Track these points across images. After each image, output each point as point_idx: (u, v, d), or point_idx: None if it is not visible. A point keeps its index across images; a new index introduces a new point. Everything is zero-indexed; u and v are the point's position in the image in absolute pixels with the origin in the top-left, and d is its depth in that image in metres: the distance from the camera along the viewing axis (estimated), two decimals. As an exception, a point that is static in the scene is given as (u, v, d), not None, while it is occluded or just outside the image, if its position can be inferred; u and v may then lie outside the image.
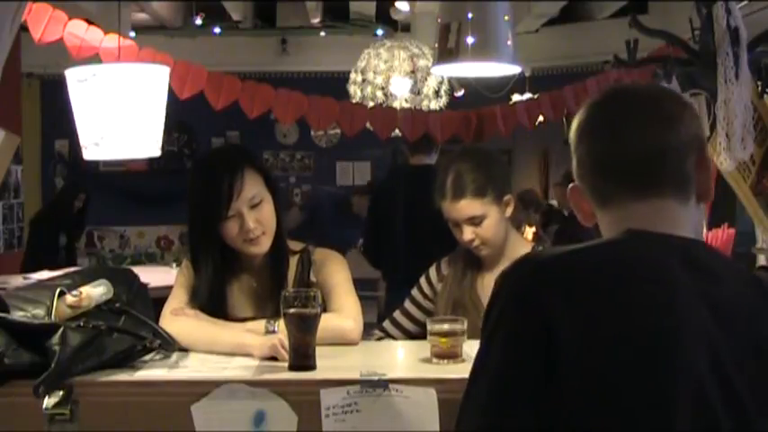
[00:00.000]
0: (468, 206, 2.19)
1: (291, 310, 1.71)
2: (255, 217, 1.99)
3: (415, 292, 2.39)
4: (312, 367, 1.69)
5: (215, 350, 1.87)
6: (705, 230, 2.31)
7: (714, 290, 1.04)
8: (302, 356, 1.70)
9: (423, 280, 2.38)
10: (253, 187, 1.99)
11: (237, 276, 2.09)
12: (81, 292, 1.72)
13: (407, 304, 2.38)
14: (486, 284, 2.28)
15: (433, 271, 2.38)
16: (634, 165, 1.12)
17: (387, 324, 2.38)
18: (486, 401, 1.01)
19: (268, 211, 2.02)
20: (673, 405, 0.96)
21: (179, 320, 1.95)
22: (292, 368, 1.69)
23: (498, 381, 1.01)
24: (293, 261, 2.10)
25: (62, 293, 1.71)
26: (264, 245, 2.03)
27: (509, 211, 2.26)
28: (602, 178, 1.15)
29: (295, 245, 2.14)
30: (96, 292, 1.75)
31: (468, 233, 2.19)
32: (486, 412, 1.01)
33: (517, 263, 1.10)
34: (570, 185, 1.21)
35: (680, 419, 0.96)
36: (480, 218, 2.19)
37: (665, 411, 0.96)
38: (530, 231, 7.25)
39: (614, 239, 1.11)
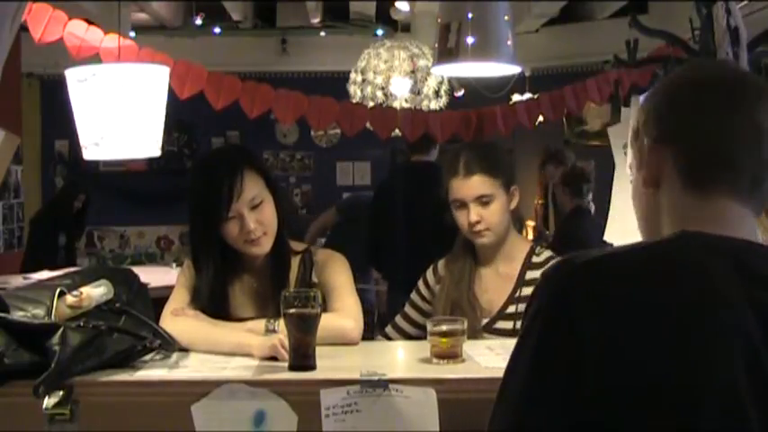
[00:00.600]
0: (479, 183, 2.19)
1: (291, 311, 1.71)
2: (256, 218, 1.99)
3: (414, 295, 2.39)
4: (312, 367, 1.70)
5: (215, 350, 1.87)
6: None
7: (764, 294, 1.01)
8: (302, 356, 1.70)
9: (420, 283, 2.38)
10: (253, 188, 1.99)
11: (239, 276, 2.09)
12: (81, 293, 1.72)
13: (408, 308, 2.38)
14: (484, 284, 2.27)
15: (429, 273, 2.37)
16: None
17: (389, 329, 2.38)
18: (517, 401, 1.02)
19: (269, 211, 2.02)
20: (701, 407, 0.95)
21: (179, 321, 1.95)
22: (292, 368, 1.70)
23: (528, 382, 1.01)
24: (295, 261, 2.10)
25: (62, 293, 1.71)
26: (265, 245, 2.03)
27: (514, 202, 2.27)
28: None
29: (297, 245, 2.14)
30: (97, 292, 1.75)
31: (474, 214, 2.19)
32: (516, 411, 1.02)
33: (556, 265, 1.09)
34: (656, 145, 1.15)
35: (707, 420, 0.95)
36: (489, 198, 2.20)
37: (692, 413, 0.95)
38: (529, 226, 7.25)
39: (663, 242, 1.09)
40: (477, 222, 2.19)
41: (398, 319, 2.38)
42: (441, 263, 2.37)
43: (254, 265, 2.09)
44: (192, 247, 2.08)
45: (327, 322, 1.84)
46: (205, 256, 2.03)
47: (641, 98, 2.30)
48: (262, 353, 1.80)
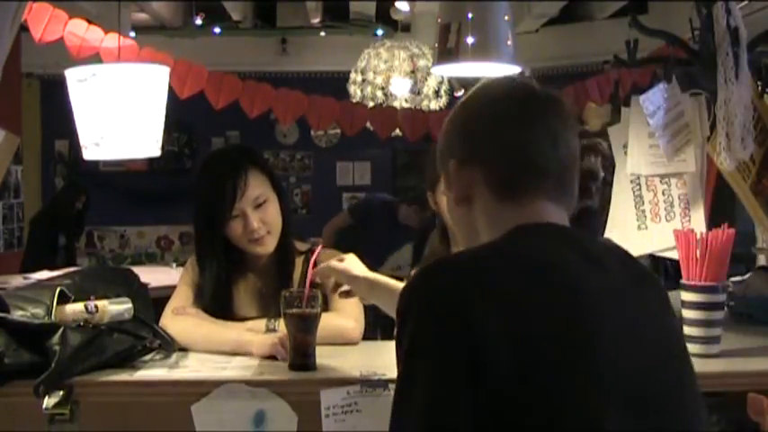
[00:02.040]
0: None
1: (292, 311, 1.71)
2: (260, 217, 1.99)
3: None
4: (312, 367, 1.69)
5: (215, 349, 1.86)
6: (705, 230, 2.31)
7: (608, 279, 1.09)
8: (302, 356, 1.70)
9: None
10: (257, 187, 2.00)
11: (243, 276, 2.09)
12: (97, 308, 1.67)
13: None
14: None
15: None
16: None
17: None
18: (423, 411, 0.95)
19: (273, 210, 2.02)
20: (603, 400, 0.98)
21: (180, 320, 1.95)
22: (292, 368, 1.70)
23: (429, 415, 0.95)
24: (299, 261, 2.10)
25: (64, 294, 1.71)
26: (269, 245, 2.03)
27: None
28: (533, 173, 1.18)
29: (301, 245, 2.14)
30: (114, 309, 1.70)
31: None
32: (424, 419, 0.95)
33: (424, 273, 1.06)
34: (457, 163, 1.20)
35: (611, 414, 0.98)
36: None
37: (594, 407, 0.97)
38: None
39: (504, 237, 1.12)
40: None
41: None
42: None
43: (257, 264, 2.09)
44: (197, 245, 2.08)
45: (328, 322, 1.83)
46: (209, 254, 2.04)
47: (640, 97, 2.30)
48: (261, 351, 1.79)
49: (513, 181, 1.16)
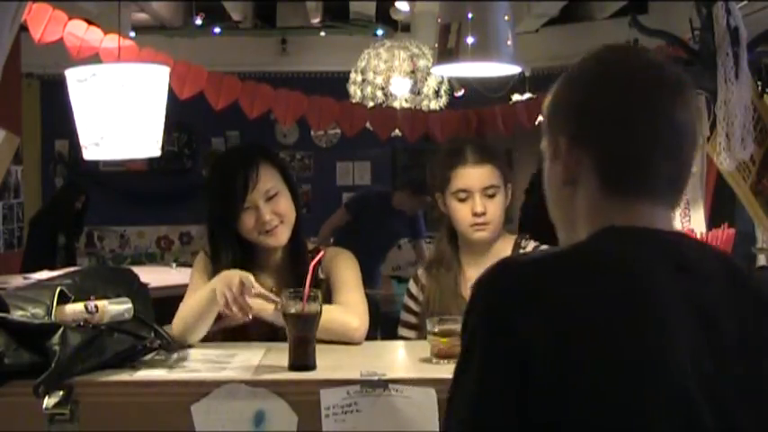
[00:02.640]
0: (490, 173, 2.15)
1: (291, 310, 1.71)
2: (271, 209, 2.02)
3: (403, 312, 2.34)
4: (312, 367, 1.70)
5: (201, 315, 1.92)
6: (705, 230, 2.31)
7: (702, 290, 1.02)
8: (302, 356, 1.70)
9: (407, 298, 2.33)
10: (268, 180, 2.03)
11: (256, 274, 2.09)
12: (97, 308, 1.68)
13: (402, 320, 2.34)
14: (471, 285, 2.20)
15: (412, 285, 2.32)
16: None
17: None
18: (466, 416, 0.99)
19: (285, 203, 2.05)
20: (653, 411, 0.95)
21: (178, 314, 1.98)
22: (292, 368, 1.69)
23: (476, 398, 0.98)
24: None
25: (64, 294, 1.71)
26: (282, 236, 2.05)
27: (507, 201, 2.23)
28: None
29: (307, 244, 2.16)
30: (114, 309, 1.70)
31: (479, 205, 2.12)
32: (466, 426, 0.99)
33: (490, 271, 1.06)
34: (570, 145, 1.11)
35: (661, 423, 0.95)
36: (495, 190, 2.15)
37: (643, 416, 0.95)
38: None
39: (592, 239, 1.07)
40: (483, 214, 2.13)
41: (401, 330, 2.34)
42: (420, 272, 2.32)
43: (270, 262, 2.10)
44: (211, 241, 2.10)
45: (333, 315, 1.84)
46: (224, 248, 2.06)
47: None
48: (225, 282, 1.84)
49: (621, 174, 1.08)
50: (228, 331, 2.02)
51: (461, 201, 2.16)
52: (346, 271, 2.07)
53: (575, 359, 0.95)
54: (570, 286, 0.99)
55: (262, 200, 2.01)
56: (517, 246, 2.23)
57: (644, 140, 1.08)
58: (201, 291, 1.95)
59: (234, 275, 1.85)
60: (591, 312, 0.97)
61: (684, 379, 0.96)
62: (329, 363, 1.72)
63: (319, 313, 1.73)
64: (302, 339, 1.70)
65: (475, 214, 2.13)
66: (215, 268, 2.05)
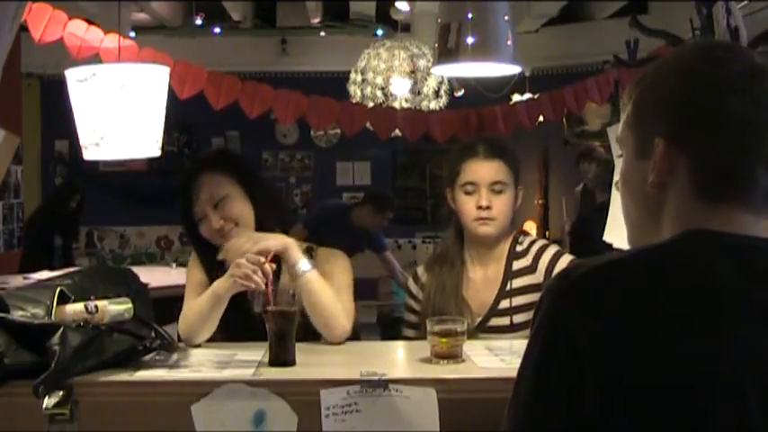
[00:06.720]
0: (499, 168, 2.16)
1: (271, 308, 1.77)
2: (221, 215, 2.07)
3: (406, 313, 2.34)
4: (292, 363, 1.74)
5: (207, 316, 1.96)
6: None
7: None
8: (282, 352, 1.74)
9: (407, 297, 2.34)
10: (213, 187, 2.09)
11: None
12: (97, 308, 1.69)
13: (406, 317, 2.34)
14: (473, 286, 2.21)
15: (411, 283, 2.32)
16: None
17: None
18: (523, 415, 1.00)
19: (237, 206, 2.09)
20: (711, 421, 0.93)
21: (182, 316, 2.02)
22: (273, 364, 1.74)
23: (533, 394, 1.00)
24: None
25: (64, 294, 1.71)
26: None
27: (517, 203, 2.23)
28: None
29: (300, 244, 2.15)
30: (114, 309, 1.71)
31: (485, 198, 2.13)
32: (522, 424, 1.00)
33: (558, 276, 1.06)
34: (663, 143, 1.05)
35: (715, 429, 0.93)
36: (503, 186, 2.15)
37: (700, 424, 0.93)
38: (532, 226, 7.23)
39: (665, 245, 1.04)
40: (488, 208, 2.13)
41: (404, 329, 2.34)
42: (420, 270, 2.32)
43: None
44: (193, 247, 2.20)
45: (332, 302, 1.92)
46: (202, 252, 2.15)
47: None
48: (229, 289, 1.92)
49: (718, 182, 1.03)
50: (228, 331, 2.03)
51: (468, 194, 2.17)
52: (341, 274, 2.09)
53: (633, 358, 0.94)
54: (629, 302, 0.97)
55: (209, 208, 2.08)
56: (515, 242, 2.23)
57: (748, 150, 1.03)
58: (206, 292, 2.00)
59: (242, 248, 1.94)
60: (657, 314, 0.96)
61: (743, 383, 0.94)
62: (329, 363, 1.72)
63: (297, 312, 1.78)
64: (282, 336, 1.75)
65: (480, 207, 2.14)
66: (203, 267, 2.14)
